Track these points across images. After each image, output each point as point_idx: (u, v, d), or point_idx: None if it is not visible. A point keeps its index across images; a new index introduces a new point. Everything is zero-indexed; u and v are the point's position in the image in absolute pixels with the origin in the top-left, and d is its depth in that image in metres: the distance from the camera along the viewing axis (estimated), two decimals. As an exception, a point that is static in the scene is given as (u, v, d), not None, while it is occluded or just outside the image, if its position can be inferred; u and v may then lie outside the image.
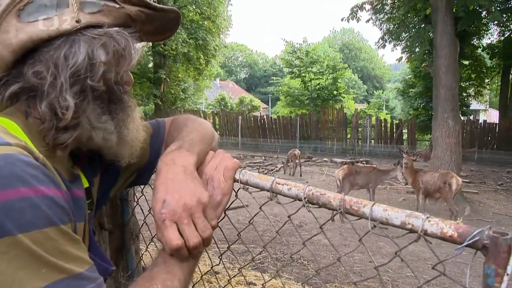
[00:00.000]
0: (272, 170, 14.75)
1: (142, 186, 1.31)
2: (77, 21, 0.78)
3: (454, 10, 11.51)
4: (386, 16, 17.12)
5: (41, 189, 0.64)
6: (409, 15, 15.80)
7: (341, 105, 29.62)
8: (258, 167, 15.27)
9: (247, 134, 24.70)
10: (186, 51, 21.90)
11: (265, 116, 26.82)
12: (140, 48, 0.88)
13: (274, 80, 39.95)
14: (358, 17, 15.29)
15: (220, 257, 1.23)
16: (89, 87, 0.79)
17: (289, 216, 0.91)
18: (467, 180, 12.73)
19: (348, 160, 16.94)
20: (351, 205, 0.75)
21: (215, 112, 28.79)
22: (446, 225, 0.64)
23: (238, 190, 1.02)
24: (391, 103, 55.24)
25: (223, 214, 0.98)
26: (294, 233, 6.77)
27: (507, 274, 0.58)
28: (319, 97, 30.67)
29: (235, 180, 0.96)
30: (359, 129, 22.60)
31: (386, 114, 38.86)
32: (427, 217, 0.65)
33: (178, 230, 0.83)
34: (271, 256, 5.90)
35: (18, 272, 0.59)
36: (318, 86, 30.64)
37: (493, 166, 17.62)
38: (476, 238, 0.60)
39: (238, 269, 1.07)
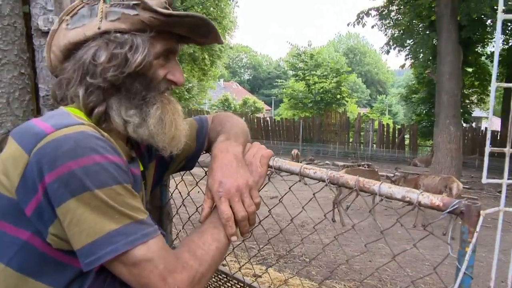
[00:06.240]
0: (274, 171, 14.95)
1: (181, 173, 1.53)
2: (98, 28, 0.98)
3: (458, 18, 11.69)
4: (391, 22, 17.32)
5: (109, 156, 0.84)
6: (414, 21, 15.99)
7: (344, 109, 29.74)
8: (261, 168, 15.42)
9: (250, 136, 24.81)
10: (192, 51, 21.99)
11: (268, 118, 26.98)
12: (145, 50, 0.98)
13: (278, 83, 40.02)
14: (364, 23, 15.52)
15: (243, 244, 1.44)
16: (95, 83, 0.96)
17: (314, 194, 1.13)
18: (467, 186, 12.85)
19: (350, 164, 17.10)
20: (364, 184, 0.98)
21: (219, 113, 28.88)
22: (435, 197, 0.87)
23: (270, 175, 1.25)
24: (394, 108, 55.12)
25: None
26: (296, 233, 6.97)
27: (476, 232, 0.81)
28: (323, 101, 30.70)
29: (269, 166, 1.19)
30: (362, 133, 22.81)
31: (389, 119, 38.91)
32: (421, 192, 0.89)
33: (230, 206, 1.05)
34: (274, 253, 6.12)
35: (98, 218, 0.81)
36: (321, 90, 30.74)
37: (493, 173, 17.29)
38: (456, 206, 0.84)
39: (275, 265, 1.28)
